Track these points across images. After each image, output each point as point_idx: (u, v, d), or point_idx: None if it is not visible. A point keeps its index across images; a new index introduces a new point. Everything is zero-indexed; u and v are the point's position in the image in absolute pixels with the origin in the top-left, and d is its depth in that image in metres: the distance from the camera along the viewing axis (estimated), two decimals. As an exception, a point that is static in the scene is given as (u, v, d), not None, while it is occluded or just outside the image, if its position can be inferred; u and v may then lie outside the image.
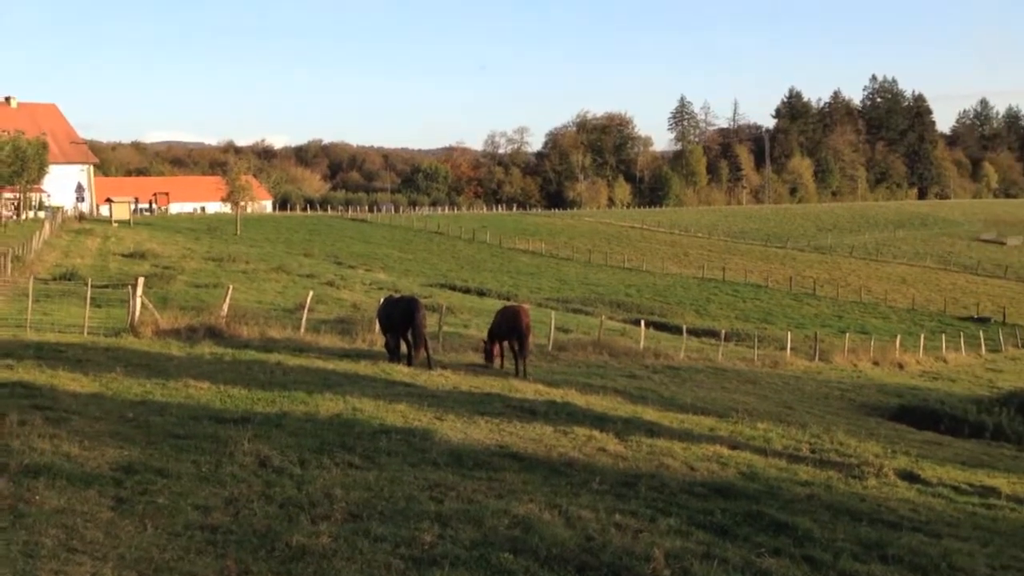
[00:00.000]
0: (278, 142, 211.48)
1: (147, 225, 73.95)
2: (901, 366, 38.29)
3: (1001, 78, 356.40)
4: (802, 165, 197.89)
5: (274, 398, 13.76)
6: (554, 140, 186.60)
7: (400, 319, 19.27)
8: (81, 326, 20.40)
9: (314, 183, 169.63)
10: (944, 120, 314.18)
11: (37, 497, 7.46)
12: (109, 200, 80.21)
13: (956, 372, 38.78)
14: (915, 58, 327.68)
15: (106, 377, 14.18)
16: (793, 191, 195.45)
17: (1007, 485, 13.80)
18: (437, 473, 10.02)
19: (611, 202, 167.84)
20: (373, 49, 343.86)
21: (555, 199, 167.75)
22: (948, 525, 10.48)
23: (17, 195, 67.54)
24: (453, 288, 54.36)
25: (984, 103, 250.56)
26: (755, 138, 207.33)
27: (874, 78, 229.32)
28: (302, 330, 22.72)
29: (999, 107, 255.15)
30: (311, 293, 27.93)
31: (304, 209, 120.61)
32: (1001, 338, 53.67)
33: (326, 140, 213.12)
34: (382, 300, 22.04)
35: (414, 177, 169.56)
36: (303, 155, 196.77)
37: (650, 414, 16.47)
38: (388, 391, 15.40)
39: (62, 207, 74.60)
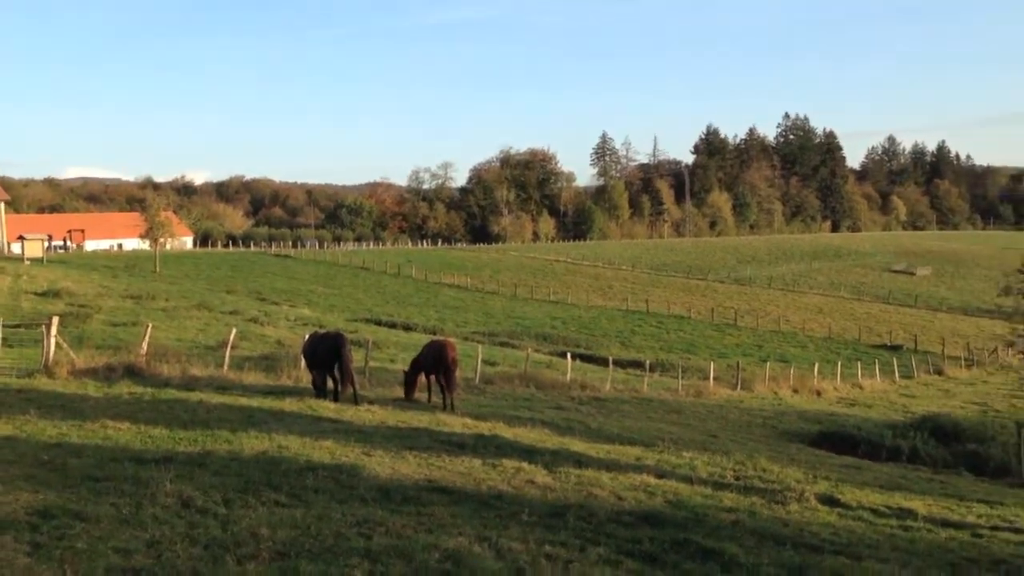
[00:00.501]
0: (199, 178, 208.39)
1: (62, 263, 71.83)
2: (819, 393, 39.25)
3: (907, 115, 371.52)
4: (720, 199, 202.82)
5: (197, 437, 13.45)
6: (478, 175, 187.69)
7: (326, 355, 19.09)
8: (-8, 367, 19.68)
9: (236, 219, 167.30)
10: (854, 156, 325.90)
11: (-53, 544, 7.18)
12: (21, 238, 77.65)
13: (872, 398, 39.90)
14: (826, 95, 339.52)
15: (19, 419, 13.69)
16: (713, 224, 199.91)
17: (923, 507, 14.21)
18: (365, 509, 9.92)
19: (536, 236, 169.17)
20: (296, 86, 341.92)
21: (480, 234, 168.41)
22: (868, 547, 10.74)
23: (-78, 233, 65.08)
24: (379, 323, 54.00)
25: (891, 139, 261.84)
26: (675, 173, 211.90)
27: (787, 115, 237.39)
28: (225, 367, 22.29)
29: (906, 143, 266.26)
30: (234, 330, 27.43)
31: (226, 245, 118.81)
32: (914, 364, 55.49)
33: (248, 176, 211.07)
34: (307, 336, 21.77)
35: (338, 212, 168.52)
36: (224, 191, 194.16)
37: (578, 445, 16.54)
38: (314, 428, 15.19)
39: (-30, 245, 72.08)
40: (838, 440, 23.39)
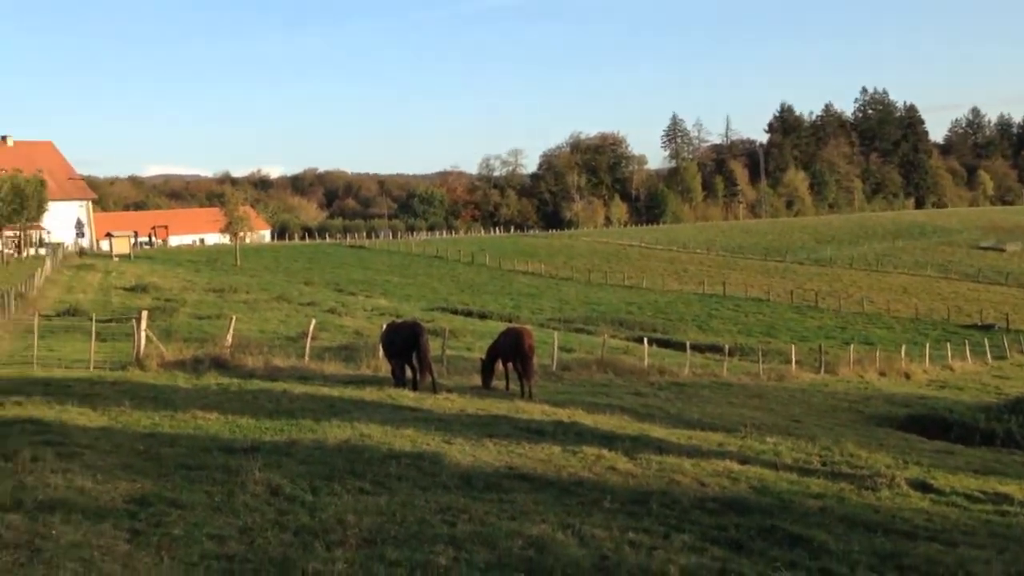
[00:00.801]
0: (274, 172, 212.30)
1: (148, 258, 74.12)
2: (908, 376, 38.24)
3: (992, 86, 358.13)
4: (797, 178, 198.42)
5: (282, 426, 13.75)
6: (548, 161, 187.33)
7: (403, 344, 19.29)
8: (87, 361, 20.41)
9: (311, 211, 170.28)
10: (937, 130, 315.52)
11: (53, 532, 7.46)
12: (109, 235, 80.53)
13: (963, 380, 38.69)
14: (905, 69, 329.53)
15: (115, 411, 14.18)
16: (790, 204, 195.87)
17: (1020, 491, 13.75)
18: (448, 496, 10.00)
19: (608, 221, 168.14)
20: (365, 78, 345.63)
21: (552, 220, 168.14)
22: (963, 533, 10.44)
23: (17, 233, 67.73)
24: (454, 312, 54.37)
25: (976, 112, 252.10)
26: (749, 153, 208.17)
27: (864, 90, 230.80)
28: (306, 358, 22.72)
29: (991, 115, 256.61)
30: (313, 321, 27.94)
31: (302, 238, 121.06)
32: (1006, 344, 53.57)
33: (321, 168, 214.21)
34: (385, 326, 22.04)
35: (410, 202, 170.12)
36: (299, 184, 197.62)
37: (658, 431, 16.43)
38: (395, 416, 15.38)
39: (62, 243, 74.85)
40: (929, 424, 22.73)
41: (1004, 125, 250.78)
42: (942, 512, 11.65)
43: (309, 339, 24.51)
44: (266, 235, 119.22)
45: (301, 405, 15.98)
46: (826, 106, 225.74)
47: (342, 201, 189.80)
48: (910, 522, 10.75)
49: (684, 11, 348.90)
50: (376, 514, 8.95)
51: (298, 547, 7.72)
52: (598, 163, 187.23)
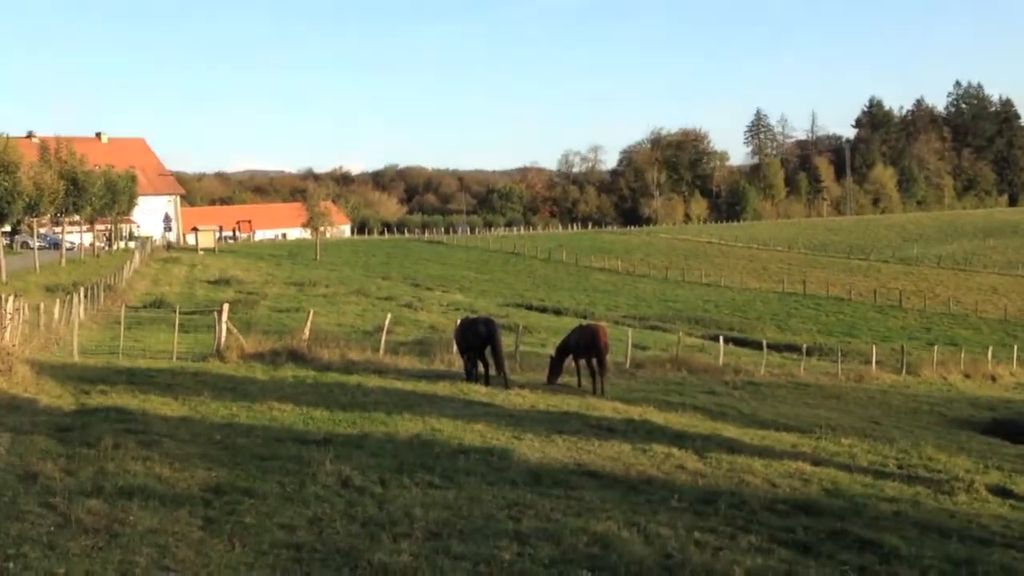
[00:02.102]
0: (355, 168, 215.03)
1: (231, 252, 76.10)
2: (994, 378, 36.99)
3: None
4: (885, 175, 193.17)
5: (355, 419, 14.00)
6: (628, 157, 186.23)
7: (477, 340, 19.46)
8: (170, 352, 21.10)
9: (391, 207, 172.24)
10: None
11: (131, 517, 7.73)
12: (195, 229, 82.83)
13: (1053, 384, 37.27)
14: (1001, 62, 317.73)
15: (194, 400, 14.62)
16: (876, 201, 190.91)
17: (1106, 500, 13.23)
18: (515, 492, 10.07)
19: (687, 218, 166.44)
20: (445, 74, 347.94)
21: (630, 216, 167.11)
22: (1043, 541, 10.10)
23: (108, 226, 70.17)
24: (529, 307, 54.53)
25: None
26: (835, 149, 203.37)
27: (958, 84, 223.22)
28: (381, 352, 23.08)
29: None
30: (389, 315, 28.37)
31: (381, 233, 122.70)
32: (1100, 348, 51.34)
33: (402, 164, 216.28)
34: (459, 321, 22.28)
35: (489, 198, 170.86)
36: (380, 180, 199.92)
37: (730, 431, 16.26)
38: (466, 411, 15.54)
39: (151, 237, 77.39)
40: (1013, 428, 22.02)
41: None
42: (1021, 519, 11.29)
43: (384, 333, 24.88)
44: (346, 230, 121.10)
45: (374, 398, 16.26)
46: (917, 101, 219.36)
47: (422, 197, 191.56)
48: (987, 528, 10.45)
49: (770, 2, 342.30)
50: (443, 508, 9.06)
51: (365, 538, 7.86)
52: (679, 159, 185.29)
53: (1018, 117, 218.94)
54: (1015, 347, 45.06)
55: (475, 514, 8.90)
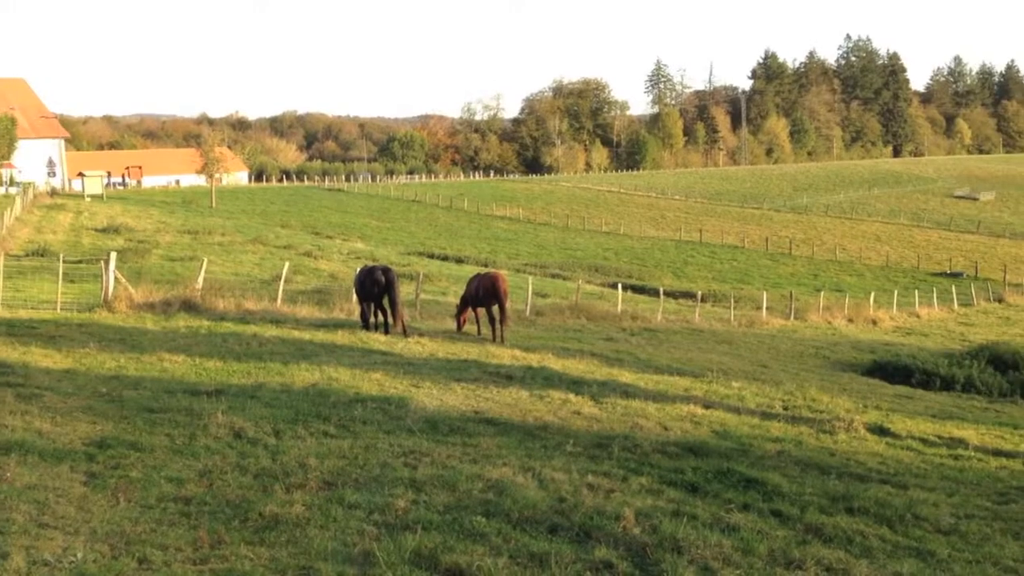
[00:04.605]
0: (252, 113, 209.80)
1: (121, 199, 73.27)
2: (875, 322, 38.69)
3: (974, 34, 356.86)
4: (778, 126, 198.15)
5: (249, 370, 13.76)
6: (530, 106, 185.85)
7: (376, 288, 19.26)
8: (54, 302, 20.23)
9: (290, 154, 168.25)
10: (918, 78, 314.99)
11: (8, 474, 7.46)
12: (81, 175, 79.21)
13: (929, 327, 39.22)
14: (889, 16, 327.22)
15: (79, 352, 14.12)
16: (769, 152, 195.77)
17: (975, 436, 14.04)
18: (412, 440, 10.09)
19: (588, 167, 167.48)
20: (347, 19, 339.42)
21: (532, 165, 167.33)
22: (915, 476, 10.66)
23: (-14, 172, 66.68)
24: (431, 256, 54.35)
25: (958, 60, 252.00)
26: (731, 100, 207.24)
27: (848, 37, 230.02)
28: (279, 301, 22.65)
29: (972, 64, 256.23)
30: (288, 264, 27.82)
31: (280, 180, 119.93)
32: (973, 292, 54.27)
33: (301, 111, 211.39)
34: (358, 270, 22.00)
35: (390, 146, 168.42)
36: (278, 126, 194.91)
37: (626, 376, 16.58)
38: (365, 360, 15.42)
39: (33, 183, 73.69)
40: (891, 370, 23.06)
41: (985, 74, 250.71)
42: (897, 456, 11.89)
43: (283, 282, 24.43)
44: (243, 177, 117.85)
45: (271, 348, 15.99)
46: (810, 53, 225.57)
47: (321, 144, 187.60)
48: (864, 465, 10.98)
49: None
50: (338, 457, 9.03)
51: (257, 490, 7.78)
52: (580, 108, 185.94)
53: (904, 70, 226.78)
54: (895, 292, 47.19)
55: (371, 463, 8.89)
